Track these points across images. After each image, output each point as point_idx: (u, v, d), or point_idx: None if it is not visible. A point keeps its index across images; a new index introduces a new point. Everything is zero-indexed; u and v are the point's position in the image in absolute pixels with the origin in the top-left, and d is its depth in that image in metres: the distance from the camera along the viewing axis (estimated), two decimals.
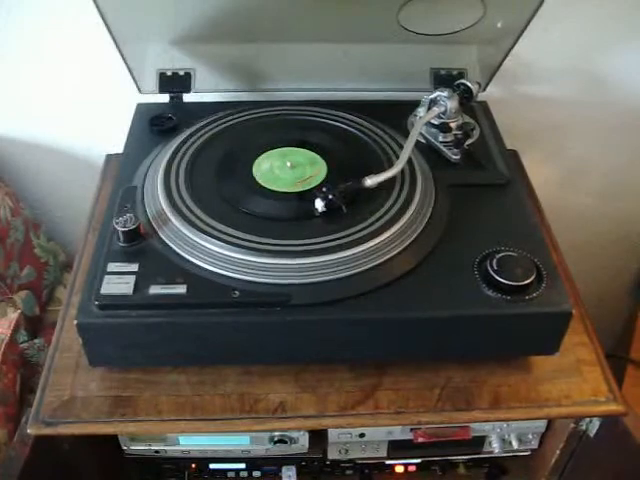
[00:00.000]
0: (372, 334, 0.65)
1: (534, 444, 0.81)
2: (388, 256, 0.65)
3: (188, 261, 0.64)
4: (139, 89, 0.87)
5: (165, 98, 0.89)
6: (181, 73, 0.87)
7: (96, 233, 0.72)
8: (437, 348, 0.67)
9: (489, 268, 0.64)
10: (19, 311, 0.96)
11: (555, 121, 1.05)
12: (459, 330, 0.65)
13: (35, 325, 1.02)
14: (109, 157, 0.97)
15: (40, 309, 1.04)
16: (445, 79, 0.88)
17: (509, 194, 0.75)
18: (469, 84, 0.81)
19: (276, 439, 0.76)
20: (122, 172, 0.77)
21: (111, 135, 0.90)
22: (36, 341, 0.99)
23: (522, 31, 0.80)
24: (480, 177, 0.77)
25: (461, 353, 0.68)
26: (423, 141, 0.80)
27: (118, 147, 0.83)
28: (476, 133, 0.82)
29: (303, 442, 0.77)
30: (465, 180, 0.76)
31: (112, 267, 0.63)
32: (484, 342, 0.67)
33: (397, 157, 0.73)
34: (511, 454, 0.82)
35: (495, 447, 0.79)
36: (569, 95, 1.01)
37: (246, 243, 0.65)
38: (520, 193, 0.75)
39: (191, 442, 0.78)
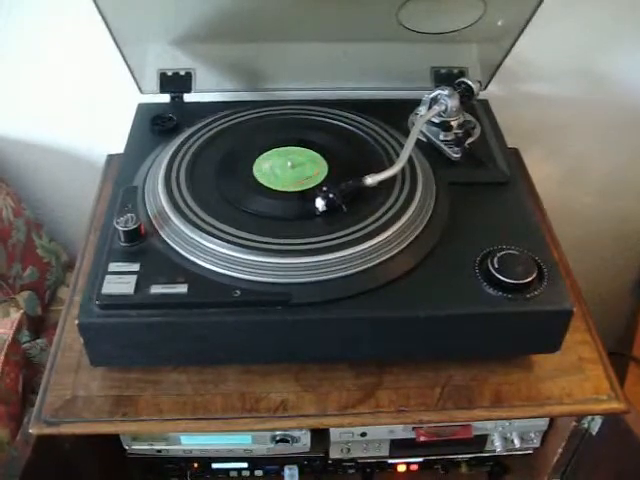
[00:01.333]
0: (373, 333, 0.65)
1: (536, 442, 0.81)
2: (389, 255, 0.65)
3: (189, 260, 0.64)
4: (140, 89, 0.87)
5: (166, 98, 0.89)
6: (182, 73, 0.87)
7: (97, 233, 0.72)
8: (438, 347, 0.67)
9: (490, 266, 0.64)
10: (22, 311, 0.96)
11: (556, 119, 1.05)
12: (460, 329, 0.65)
13: (37, 325, 1.02)
14: (110, 157, 0.97)
15: (42, 309, 1.04)
16: (446, 78, 0.88)
17: (510, 192, 0.75)
18: (470, 82, 0.81)
19: (278, 438, 0.76)
20: (123, 172, 0.77)
21: (112, 135, 0.90)
22: (38, 341, 0.99)
23: (522, 29, 0.80)
24: (481, 175, 0.76)
25: (462, 352, 0.68)
26: (424, 140, 0.80)
27: (119, 147, 0.83)
28: (477, 131, 0.82)
29: (305, 441, 0.77)
30: (466, 178, 0.76)
31: (113, 267, 0.63)
32: (485, 341, 0.67)
33: (398, 156, 0.73)
34: (513, 453, 0.82)
35: (497, 446, 0.79)
36: (570, 94, 1.01)
37: (247, 242, 0.65)
38: (521, 191, 0.75)
39: (193, 441, 0.78)
